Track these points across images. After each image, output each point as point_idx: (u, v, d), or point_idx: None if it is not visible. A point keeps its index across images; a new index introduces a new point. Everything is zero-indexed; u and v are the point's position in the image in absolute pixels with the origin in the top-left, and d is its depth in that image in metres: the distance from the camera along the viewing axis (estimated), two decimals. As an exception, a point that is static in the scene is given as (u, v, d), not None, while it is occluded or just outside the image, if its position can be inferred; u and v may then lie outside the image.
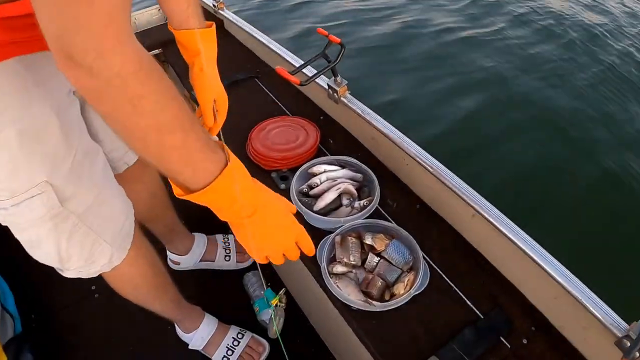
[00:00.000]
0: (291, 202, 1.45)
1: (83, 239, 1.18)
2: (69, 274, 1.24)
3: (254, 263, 2.06)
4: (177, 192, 0.82)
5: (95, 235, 1.20)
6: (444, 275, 1.45)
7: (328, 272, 1.38)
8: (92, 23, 0.61)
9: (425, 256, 1.45)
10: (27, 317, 1.90)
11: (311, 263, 1.47)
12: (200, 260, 1.99)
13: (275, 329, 1.33)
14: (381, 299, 1.36)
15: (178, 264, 1.98)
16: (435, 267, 1.46)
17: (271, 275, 2.02)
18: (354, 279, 1.38)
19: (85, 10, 0.60)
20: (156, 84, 0.69)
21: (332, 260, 1.43)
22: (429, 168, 1.55)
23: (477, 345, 1.32)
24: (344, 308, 1.35)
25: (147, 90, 0.68)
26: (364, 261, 1.43)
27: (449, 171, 1.54)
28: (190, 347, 1.73)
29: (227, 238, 2.03)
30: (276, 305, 1.35)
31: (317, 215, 1.48)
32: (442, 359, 1.29)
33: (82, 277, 1.26)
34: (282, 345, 1.26)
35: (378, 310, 1.31)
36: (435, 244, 1.51)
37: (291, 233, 0.97)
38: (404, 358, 1.30)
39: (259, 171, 1.73)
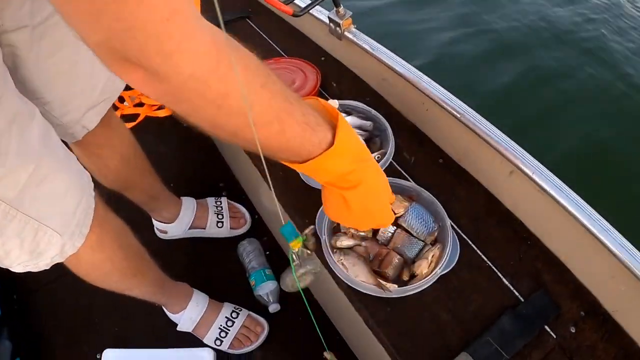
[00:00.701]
0: None
1: (20, 230, 0.90)
2: (16, 269, 0.98)
3: (250, 229, 1.73)
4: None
5: (37, 223, 0.91)
6: (476, 249, 1.12)
7: (330, 246, 1.05)
8: (147, 19, 0.47)
9: (453, 224, 1.11)
10: (8, 298, 1.62)
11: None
12: (190, 228, 1.70)
13: (295, 281, 0.90)
14: (398, 280, 1.05)
15: (165, 232, 1.69)
16: (465, 237, 1.14)
17: (270, 242, 1.70)
18: (363, 255, 1.06)
19: (135, 5, 0.45)
20: (241, 75, 0.57)
21: (336, 230, 1.10)
22: (455, 113, 1.22)
23: (517, 336, 1.03)
24: (351, 292, 1.05)
25: (231, 87, 0.57)
26: (376, 231, 1.11)
27: (480, 117, 1.19)
28: (178, 329, 1.47)
29: (220, 201, 1.72)
30: (298, 251, 0.87)
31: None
32: (475, 355, 0.99)
33: (32, 270, 0.99)
34: (308, 308, 0.99)
35: (395, 296, 0.99)
36: (464, 209, 1.19)
37: (387, 212, 0.91)
38: (427, 355, 0.99)
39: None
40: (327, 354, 1.12)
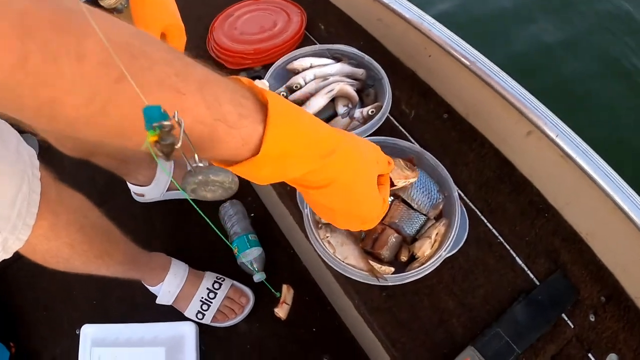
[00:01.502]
0: None
1: None
2: None
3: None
4: None
5: None
6: (486, 222, 0.91)
7: (314, 221, 0.84)
8: None
9: (461, 193, 0.90)
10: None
11: (294, 206, 0.93)
12: (168, 190, 1.47)
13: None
14: (395, 261, 0.84)
15: (142, 195, 1.49)
16: (473, 207, 0.94)
17: (254, 203, 1.48)
18: (354, 233, 0.84)
19: None
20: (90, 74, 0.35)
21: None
22: (464, 61, 0.98)
23: (532, 327, 0.86)
24: (339, 273, 0.83)
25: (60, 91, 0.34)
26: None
27: (493, 65, 0.96)
28: (157, 302, 1.27)
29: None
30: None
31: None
32: (483, 351, 0.80)
33: None
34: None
35: (390, 284, 0.78)
36: (472, 175, 0.98)
37: (375, 209, 0.63)
38: (427, 350, 0.81)
39: (223, 73, 1.13)
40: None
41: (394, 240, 0.84)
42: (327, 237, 0.85)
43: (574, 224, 0.94)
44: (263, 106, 0.48)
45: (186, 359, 1.21)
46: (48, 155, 1.03)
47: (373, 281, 0.80)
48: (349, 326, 1.22)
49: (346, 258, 0.83)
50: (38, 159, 0.85)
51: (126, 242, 1.14)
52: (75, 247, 0.95)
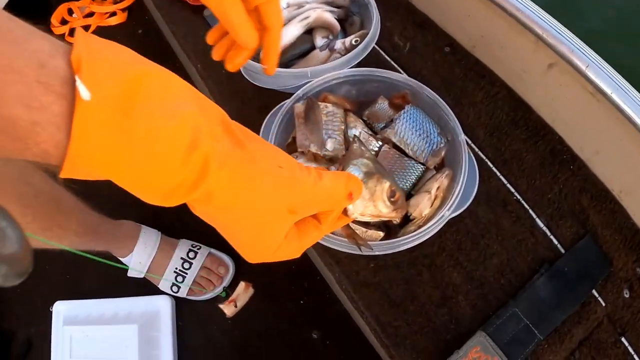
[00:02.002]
0: None
1: None
2: None
3: None
4: None
5: None
6: (499, 175, 0.70)
7: (283, 175, 0.63)
8: None
9: (468, 140, 0.70)
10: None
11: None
12: None
13: None
14: (385, 225, 0.63)
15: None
16: (482, 156, 0.72)
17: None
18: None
19: None
20: None
21: (291, 149, 0.68)
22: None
23: (556, 306, 0.68)
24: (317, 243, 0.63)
25: None
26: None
27: None
28: (129, 275, 1.10)
29: None
30: None
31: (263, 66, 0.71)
32: (496, 336, 0.60)
33: None
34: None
35: (378, 253, 0.58)
36: (481, 117, 0.78)
37: (278, 240, 0.42)
38: (425, 336, 0.61)
39: (184, 12, 0.98)
40: None
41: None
42: (299, 194, 0.64)
43: (605, 178, 0.74)
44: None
45: (162, 336, 1.06)
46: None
47: (356, 250, 0.59)
48: (340, 298, 1.03)
49: (322, 221, 0.62)
50: None
51: (83, 211, 0.95)
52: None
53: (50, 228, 0.85)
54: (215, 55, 0.64)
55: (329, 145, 0.65)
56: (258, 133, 0.73)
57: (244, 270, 1.12)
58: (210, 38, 0.63)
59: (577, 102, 0.73)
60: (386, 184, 0.51)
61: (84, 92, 0.29)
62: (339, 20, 0.83)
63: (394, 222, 0.64)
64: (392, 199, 0.51)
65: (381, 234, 0.63)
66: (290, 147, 0.70)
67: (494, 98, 0.80)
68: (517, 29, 0.74)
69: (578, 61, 0.69)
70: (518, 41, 0.76)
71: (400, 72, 0.82)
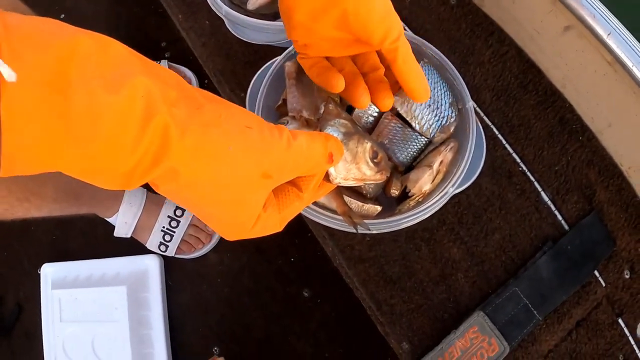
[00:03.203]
0: (210, 3, 0.62)
1: None
2: None
3: None
4: None
5: None
6: (505, 143, 0.63)
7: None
8: None
9: (474, 104, 0.62)
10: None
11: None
12: None
13: None
14: (384, 197, 0.56)
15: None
16: (488, 122, 0.65)
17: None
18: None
19: None
20: None
21: (282, 112, 0.59)
22: None
23: (558, 286, 0.63)
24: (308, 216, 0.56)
25: None
26: (348, 112, 0.59)
27: None
28: (115, 234, 1.03)
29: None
30: None
31: (255, 20, 0.61)
32: (495, 316, 0.55)
33: None
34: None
35: (375, 232, 0.51)
36: (488, 79, 0.69)
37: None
38: (422, 314, 0.56)
39: None
40: None
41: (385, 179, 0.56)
42: (291, 164, 0.56)
43: (615, 153, 0.67)
44: None
45: (151, 296, 1.00)
46: None
47: (350, 228, 0.52)
48: (331, 256, 0.98)
49: (316, 194, 0.55)
50: None
51: (61, 177, 0.86)
52: None
53: (27, 198, 0.78)
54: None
55: (323, 109, 0.56)
56: (245, 91, 0.64)
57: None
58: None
59: (593, 71, 0.64)
60: (367, 144, 0.45)
61: (7, 73, 0.22)
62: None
63: (392, 194, 0.57)
64: (375, 160, 0.45)
65: (378, 208, 0.56)
66: (281, 110, 0.61)
67: (502, 58, 0.70)
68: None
69: (599, 28, 0.60)
70: (532, -2, 0.66)
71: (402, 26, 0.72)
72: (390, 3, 0.45)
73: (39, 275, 1.05)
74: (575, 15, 0.62)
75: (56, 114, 0.25)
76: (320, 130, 0.46)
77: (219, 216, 0.37)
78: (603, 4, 0.64)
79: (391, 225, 0.53)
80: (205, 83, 1.10)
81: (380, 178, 0.46)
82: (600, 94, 0.66)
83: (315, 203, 0.54)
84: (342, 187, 0.56)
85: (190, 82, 1.14)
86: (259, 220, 0.37)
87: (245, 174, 0.33)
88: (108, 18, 1.20)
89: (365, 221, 0.53)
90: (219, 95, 0.83)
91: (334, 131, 0.45)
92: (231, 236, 0.39)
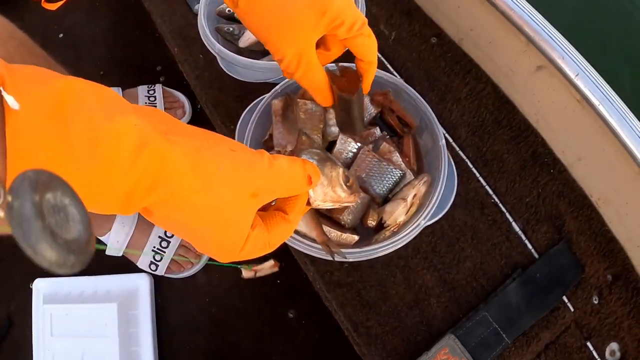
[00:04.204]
0: (204, 41, 0.68)
1: None
2: None
3: (192, 122, 1.22)
4: None
5: None
6: (478, 176, 0.69)
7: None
8: None
9: (449, 138, 0.68)
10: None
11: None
12: None
13: None
14: (361, 228, 0.62)
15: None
16: (462, 156, 0.71)
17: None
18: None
19: None
20: None
21: (268, 146, 0.65)
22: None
23: (526, 312, 0.68)
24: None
25: None
26: (330, 147, 0.65)
27: None
28: (107, 253, 1.07)
29: (153, 89, 1.20)
30: None
31: (245, 59, 0.66)
32: (465, 339, 0.60)
33: None
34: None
35: (351, 260, 0.57)
36: (464, 115, 0.75)
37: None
38: (397, 336, 0.61)
39: None
40: None
41: (358, 201, 0.62)
42: (275, 194, 0.62)
43: (585, 185, 0.73)
44: None
45: (141, 314, 1.05)
46: None
47: (328, 257, 0.58)
48: (312, 281, 1.03)
49: (298, 225, 0.60)
50: None
51: None
52: None
53: None
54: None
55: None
56: (235, 123, 0.70)
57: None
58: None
59: (563, 107, 0.70)
60: (340, 169, 0.51)
61: (11, 102, 0.27)
62: None
63: (369, 224, 0.62)
64: (347, 184, 0.51)
65: (356, 237, 0.61)
66: (267, 144, 0.67)
67: (478, 95, 0.77)
68: (508, 28, 0.70)
69: (568, 68, 0.66)
70: (508, 39, 0.72)
71: (385, 64, 0.78)
72: None
73: (31, 290, 1.09)
74: (546, 56, 0.68)
75: (56, 137, 0.28)
76: None
77: (210, 238, 0.40)
78: (572, 45, 0.70)
79: (368, 254, 0.58)
80: (198, 108, 1.16)
81: (353, 200, 0.51)
82: (571, 129, 0.72)
83: (297, 232, 0.60)
84: (323, 217, 0.61)
85: (183, 107, 1.20)
86: (249, 239, 0.41)
87: (236, 192, 0.38)
88: (106, 40, 1.26)
89: (343, 250, 0.58)
90: (211, 125, 0.89)
91: (309, 159, 0.51)
92: (223, 257, 0.42)
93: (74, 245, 0.25)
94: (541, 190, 0.72)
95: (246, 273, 0.97)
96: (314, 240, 0.59)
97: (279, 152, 0.63)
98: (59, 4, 1.25)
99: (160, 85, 1.19)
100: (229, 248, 0.41)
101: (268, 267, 0.96)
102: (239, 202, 0.38)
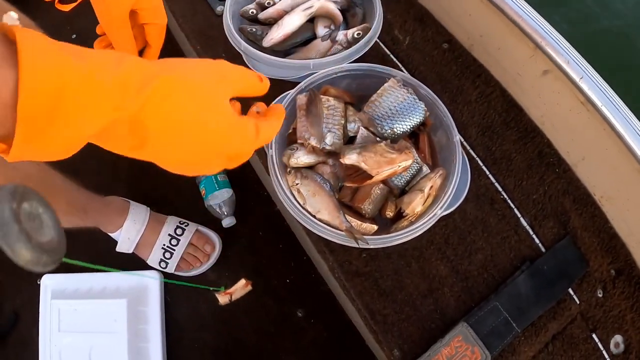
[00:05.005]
0: (230, 39, 0.72)
1: None
2: None
3: None
4: None
5: None
6: (488, 173, 0.73)
7: (281, 164, 0.65)
8: None
9: (461, 138, 0.72)
10: None
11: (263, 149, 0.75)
12: None
13: None
14: (380, 218, 0.66)
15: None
16: (473, 155, 0.75)
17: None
18: (330, 179, 0.65)
19: None
20: None
21: (291, 139, 0.69)
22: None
23: (534, 302, 0.72)
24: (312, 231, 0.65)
25: None
26: (351, 141, 0.69)
27: None
28: (117, 249, 1.10)
29: None
30: None
31: (270, 57, 0.71)
32: (477, 327, 0.64)
33: None
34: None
35: (372, 247, 0.60)
36: (475, 116, 0.82)
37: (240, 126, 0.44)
38: (412, 324, 0.65)
39: None
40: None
41: (378, 192, 0.67)
42: (297, 184, 0.66)
43: (588, 183, 0.78)
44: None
45: (150, 311, 1.07)
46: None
47: (351, 242, 0.62)
48: (325, 279, 1.06)
49: (318, 212, 0.64)
50: None
51: (72, 191, 0.95)
52: None
53: None
54: None
55: (328, 139, 0.67)
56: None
57: (231, 247, 1.14)
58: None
59: (568, 109, 0.76)
60: (382, 142, 0.63)
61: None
62: (341, 10, 0.84)
63: (387, 215, 0.67)
64: (393, 147, 0.63)
65: (375, 227, 0.66)
66: (291, 137, 0.71)
67: (487, 98, 0.82)
68: (516, 34, 0.76)
69: (572, 72, 0.72)
70: (516, 45, 0.78)
71: (399, 67, 0.83)
72: None
73: (38, 285, 1.11)
74: (552, 61, 0.74)
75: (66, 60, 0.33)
76: (342, 154, 0.64)
77: (199, 155, 0.43)
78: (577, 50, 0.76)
79: (387, 240, 0.63)
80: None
81: (406, 157, 0.63)
82: (575, 130, 0.77)
83: (320, 220, 0.64)
84: (344, 206, 0.66)
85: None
86: (239, 123, 0.43)
87: (208, 79, 0.41)
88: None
89: (366, 237, 0.62)
90: None
91: (353, 152, 0.64)
92: (227, 164, 0.45)
93: (47, 246, 0.30)
94: (547, 188, 0.77)
95: (222, 299, 1.01)
96: (336, 228, 0.63)
97: (302, 144, 0.68)
98: (73, 5, 1.30)
99: None
100: (240, 144, 0.44)
101: (241, 287, 1.00)
102: (224, 114, 0.42)
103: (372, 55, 0.81)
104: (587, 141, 0.76)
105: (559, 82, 0.75)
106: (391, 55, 0.86)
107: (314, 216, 0.64)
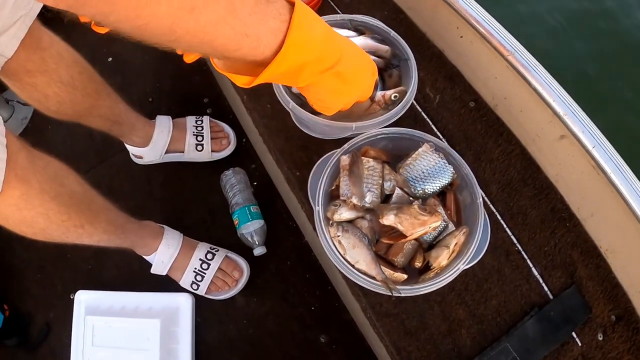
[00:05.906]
0: (278, 97, 0.90)
1: None
2: None
3: (237, 155, 1.50)
4: (241, 81, 0.64)
5: None
6: (506, 227, 0.93)
7: (325, 218, 0.84)
8: None
9: (482, 193, 0.91)
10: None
11: (304, 197, 0.92)
12: (167, 152, 1.47)
13: None
14: (409, 267, 0.85)
15: (141, 157, 1.50)
16: (493, 210, 0.95)
17: (259, 171, 1.47)
18: (368, 234, 0.84)
19: None
20: None
21: (334, 195, 0.87)
22: (501, 49, 0.96)
23: (540, 344, 0.90)
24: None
25: None
26: (387, 199, 0.88)
27: (534, 59, 0.95)
28: (152, 271, 1.29)
29: (201, 120, 1.45)
30: None
31: (313, 117, 0.90)
32: (490, 365, 0.83)
33: None
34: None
35: (404, 295, 0.80)
36: (496, 174, 0.99)
37: (372, 72, 0.83)
38: (433, 361, 0.84)
39: None
40: None
41: (409, 247, 0.85)
42: (338, 236, 0.85)
43: (596, 237, 0.96)
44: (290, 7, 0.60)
45: (181, 331, 1.25)
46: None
47: (383, 290, 0.81)
48: (348, 308, 1.25)
49: (357, 262, 0.83)
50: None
51: (111, 211, 1.12)
52: (51, 217, 0.94)
53: (82, 225, 1.03)
54: None
55: (368, 198, 0.85)
56: (299, 170, 0.93)
57: (260, 274, 1.33)
58: None
59: (581, 171, 0.93)
60: (414, 204, 0.80)
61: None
62: (378, 70, 1.02)
63: (416, 265, 0.86)
64: (425, 210, 0.80)
65: (405, 276, 0.84)
66: (333, 193, 0.90)
67: (509, 156, 1.01)
68: (537, 101, 0.94)
69: (586, 140, 0.89)
70: (537, 110, 0.96)
71: (430, 125, 1.02)
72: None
73: (72, 300, 1.28)
74: (569, 129, 0.91)
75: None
76: (382, 214, 0.83)
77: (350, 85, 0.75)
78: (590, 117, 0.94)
79: (416, 290, 0.81)
80: (243, 142, 1.39)
81: (436, 219, 0.80)
82: (586, 190, 0.95)
83: (357, 270, 0.83)
84: (379, 258, 0.85)
85: (228, 137, 1.44)
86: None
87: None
88: (155, 69, 1.48)
89: (397, 286, 0.81)
90: (254, 158, 1.12)
91: (391, 213, 0.81)
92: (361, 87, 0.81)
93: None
94: (558, 241, 0.95)
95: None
96: (371, 277, 0.82)
97: (344, 201, 0.87)
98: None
99: (208, 117, 1.43)
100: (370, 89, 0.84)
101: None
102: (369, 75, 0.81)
103: (406, 114, 0.99)
104: (597, 201, 0.94)
105: (574, 147, 0.93)
106: (423, 114, 1.04)
107: (353, 266, 0.84)
